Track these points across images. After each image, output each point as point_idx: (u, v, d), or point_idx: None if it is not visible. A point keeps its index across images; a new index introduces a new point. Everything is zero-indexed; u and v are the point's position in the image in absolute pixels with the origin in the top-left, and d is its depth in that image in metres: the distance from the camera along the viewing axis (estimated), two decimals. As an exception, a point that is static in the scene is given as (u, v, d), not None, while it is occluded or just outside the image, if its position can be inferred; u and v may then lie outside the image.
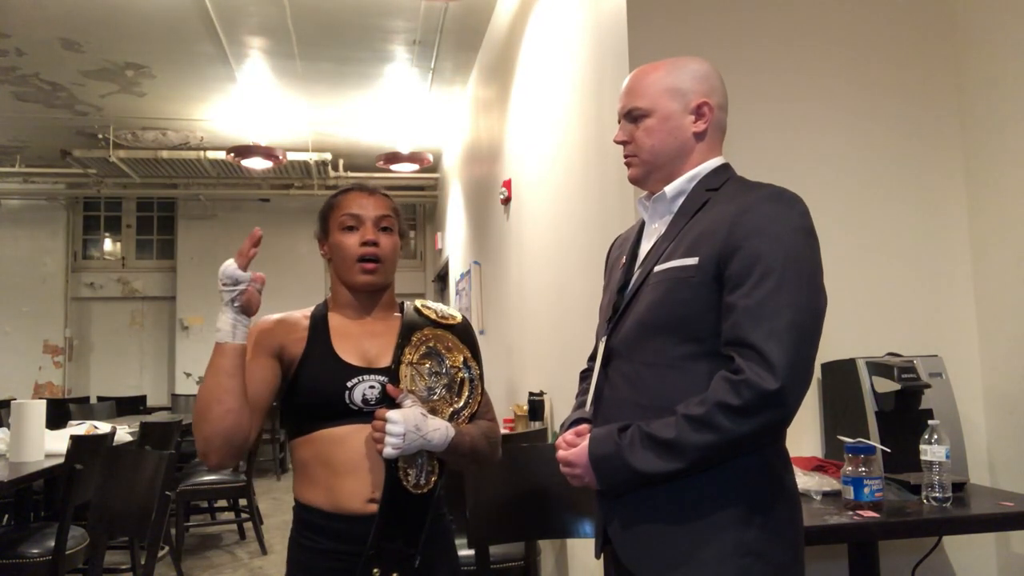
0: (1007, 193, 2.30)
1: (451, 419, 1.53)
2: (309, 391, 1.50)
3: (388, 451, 1.40)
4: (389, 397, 1.47)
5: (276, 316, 1.58)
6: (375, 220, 1.57)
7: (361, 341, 1.55)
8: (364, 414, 1.47)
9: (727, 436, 1.19)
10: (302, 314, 1.59)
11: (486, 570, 2.20)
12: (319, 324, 1.56)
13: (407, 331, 1.56)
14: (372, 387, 1.49)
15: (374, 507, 1.45)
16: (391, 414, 1.41)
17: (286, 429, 1.57)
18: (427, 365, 1.54)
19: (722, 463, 1.25)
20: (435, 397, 1.53)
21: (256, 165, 6.84)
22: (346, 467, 1.46)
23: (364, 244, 1.55)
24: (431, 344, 1.56)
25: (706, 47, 2.35)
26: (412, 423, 1.41)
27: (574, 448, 1.35)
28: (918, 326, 2.38)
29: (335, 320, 1.58)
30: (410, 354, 1.53)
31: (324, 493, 1.47)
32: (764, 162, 2.12)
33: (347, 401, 1.48)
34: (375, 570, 1.42)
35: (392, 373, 1.50)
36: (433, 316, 1.62)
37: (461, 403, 1.56)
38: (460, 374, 1.58)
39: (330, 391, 1.48)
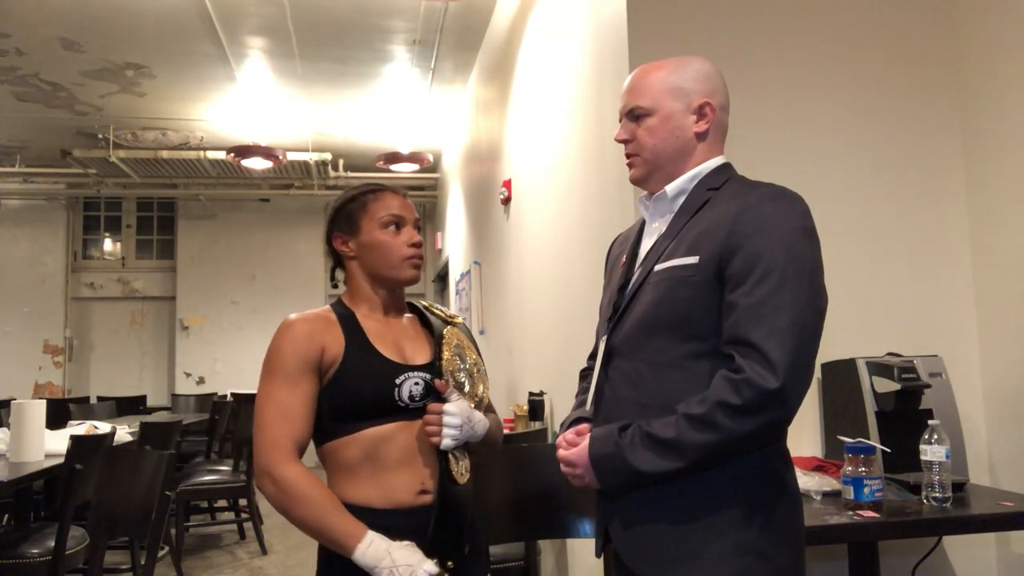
0: (1007, 192, 2.30)
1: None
2: (356, 390, 1.49)
3: (447, 442, 1.46)
4: (434, 392, 1.51)
5: (308, 316, 1.53)
6: (414, 222, 1.62)
7: (396, 339, 1.57)
8: (410, 410, 1.50)
9: (728, 435, 1.19)
10: (326, 312, 1.56)
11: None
12: (350, 323, 1.54)
13: (438, 329, 1.61)
14: (417, 384, 1.52)
15: (425, 498, 1.48)
16: (448, 407, 1.47)
17: (318, 431, 1.51)
18: (457, 362, 1.59)
19: (723, 462, 1.25)
20: (465, 391, 1.57)
21: (256, 165, 6.84)
22: (397, 462, 1.48)
23: (412, 245, 1.58)
24: (455, 342, 1.62)
25: (705, 46, 2.34)
26: (466, 415, 1.49)
27: (574, 448, 1.36)
28: (918, 326, 2.38)
29: (364, 319, 1.57)
30: (446, 351, 1.58)
31: (375, 490, 1.48)
32: (762, 160, 2.12)
33: (396, 398, 1.49)
34: (433, 559, 1.43)
35: (437, 369, 1.54)
36: (443, 316, 1.68)
37: (479, 396, 1.62)
38: (476, 368, 1.63)
39: (379, 389, 1.49)
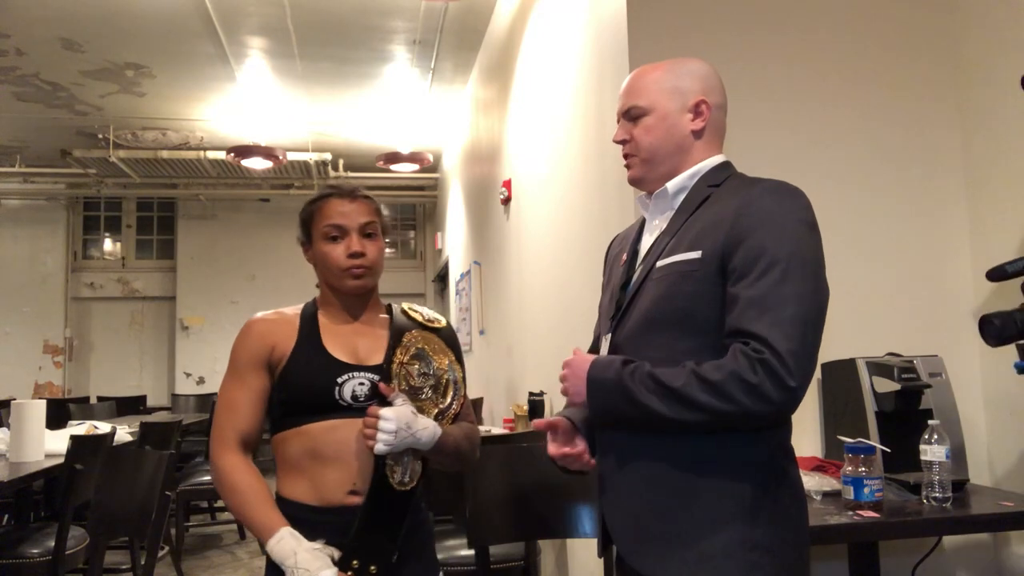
0: (1007, 192, 2.30)
1: (437, 419, 1.56)
2: (298, 386, 1.52)
3: (380, 447, 1.44)
4: (378, 394, 1.50)
5: (268, 316, 1.61)
6: (359, 228, 1.58)
7: (351, 339, 1.59)
8: (353, 409, 1.51)
9: (733, 408, 1.18)
10: (293, 311, 1.62)
11: (486, 570, 2.20)
12: (309, 321, 1.59)
13: (398, 333, 1.60)
14: (362, 384, 1.53)
15: (355, 499, 1.48)
16: (384, 411, 1.45)
17: (271, 424, 1.58)
18: (416, 366, 1.58)
19: (726, 457, 1.24)
20: (423, 397, 1.56)
21: (256, 165, 6.84)
22: (332, 457, 1.50)
23: (351, 256, 1.56)
24: (420, 346, 1.60)
25: (705, 45, 2.35)
26: (404, 421, 1.45)
27: (577, 357, 1.36)
28: (918, 326, 2.38)
29: (324, 318, 1.61)
30: (401, 355, 1.57)
31: (309, 485, 1.50)
32: (762, 160, 2.11)
33: (337, 396, 1.51)
34: (354, 561, 1.44)
35: (385, 372, 1.54)
36: (420, 319, 1.66)
37: (446, 404, 1.60)
38: (446, 376, 1.61)
39: (320, 386, 1.52)
